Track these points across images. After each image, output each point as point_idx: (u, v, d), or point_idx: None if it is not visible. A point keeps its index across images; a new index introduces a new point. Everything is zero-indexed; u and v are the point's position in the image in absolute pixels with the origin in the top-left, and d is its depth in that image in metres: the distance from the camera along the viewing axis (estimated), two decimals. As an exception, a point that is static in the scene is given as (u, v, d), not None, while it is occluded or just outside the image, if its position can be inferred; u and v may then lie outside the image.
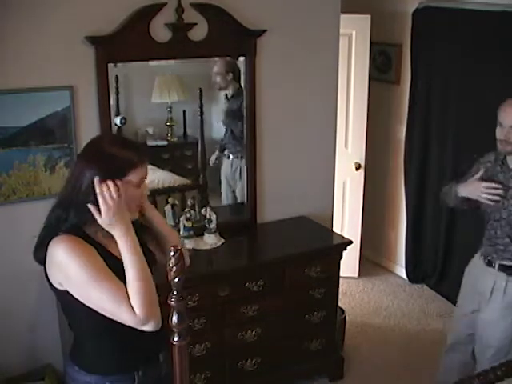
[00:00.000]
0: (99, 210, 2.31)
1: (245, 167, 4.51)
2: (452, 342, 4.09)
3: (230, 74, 4.46)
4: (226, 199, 4.80)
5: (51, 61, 3.65)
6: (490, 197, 3.55)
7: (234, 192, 4.72)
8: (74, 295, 2.32)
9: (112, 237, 2.38)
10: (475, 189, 3.61)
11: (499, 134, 3.55)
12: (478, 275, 3.82)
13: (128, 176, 2.35)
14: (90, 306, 2.30)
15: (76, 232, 2.32)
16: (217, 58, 4.43)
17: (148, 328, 2.31)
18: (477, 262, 3.87)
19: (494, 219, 3.67)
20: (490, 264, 3.74)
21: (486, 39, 4.93)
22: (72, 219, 2.32)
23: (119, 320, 2.29)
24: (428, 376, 4.42)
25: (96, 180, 2.28)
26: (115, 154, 2.34)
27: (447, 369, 4.13)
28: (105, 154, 2.32)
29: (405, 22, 5.64)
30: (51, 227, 2.34)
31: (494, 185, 3.56)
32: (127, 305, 2.27)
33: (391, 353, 5.00)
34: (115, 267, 2.36)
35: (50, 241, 2.32)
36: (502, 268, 3.68)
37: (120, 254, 2.42)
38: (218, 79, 4.50)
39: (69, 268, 2.26)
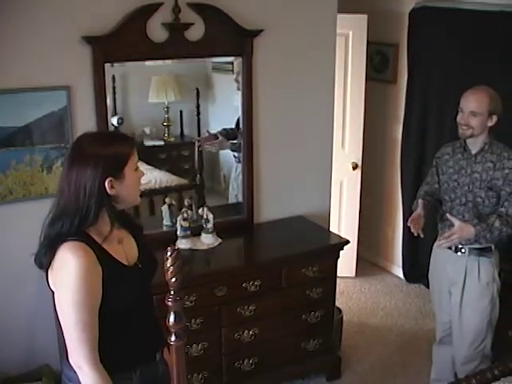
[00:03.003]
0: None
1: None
2: (439, 337, 4.19)
3: None
4: (230, 201, 4.81)
5: (48, 61, 3.65)
6: (413, 231, 3.79)
7: (237, 196, 4.71)
8: (55, 297, 2.34)
9: (113, 239, 2.43)
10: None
11: (459, 118, 3.70)
12: (447, 263, 3.90)
13: (126, 166, 2.38)
14: (58, 312, 2.34)
15: (84, 238, 2.33)
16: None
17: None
18: (442, 251, 3.92)
19: (460, 204, 3.79)
20: (457, 250, 3.83)
21: (482, 39, 4.93)
22: (77, 224, 2.32)
23: (69, 348, 2.33)
24: (425, 375, 4.43)
25: (107, 182, 2.32)
26: (107, 153, 2.34)
27: (440, 363, 4.20)
28: (98, 155, 2.32)
29: (401, 22, 5.64)
30: (56, 236, 2.33)
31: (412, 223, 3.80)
32: (86, 350, 2.30)
33: (388, 352, 5.00)
34: (116, 271, 2.39)
35: (58, 245, 2.31)
36: (473, 252, 3.78)
37: (121, 255, 2.44)
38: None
39: (68, 279, 2.27)
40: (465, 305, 3.84)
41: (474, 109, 3.61)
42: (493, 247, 3.77)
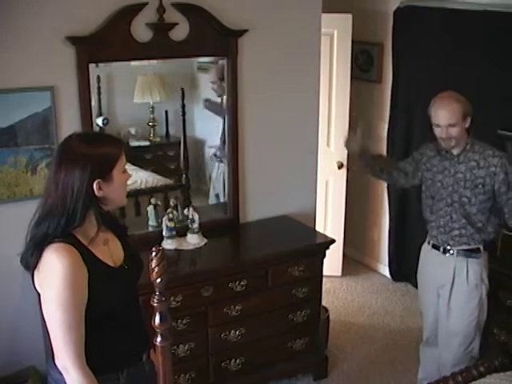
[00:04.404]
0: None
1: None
2: (426, 337, 4.18)
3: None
4: (211, 201, 4.79)
5: (32, 61, 3.63)
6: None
7: (217, 195, 4.72)
8: (41, 299, 2.34)
9: (99, 241, 2.43)
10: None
11: (439, 133, 3.69)
12: (435, 265, 3.91)
13: (114, 168, 2.37)
14: (44, 313, 2.33)
15: (70, 239, 2.32)
16: (211, 60, 4.43)
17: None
18: (430, 253, 3.96)
19: (447, 204, 3.79)
20: (445, 252, 3.84)
21: (467, 38, 4.95)
22: (63, 225, 2.31)
23: (55, 349, 2.32)
24: (412, 374, 4.45)
25: (95, 184, 2.31)
26: (96, 154, 2.34)
27: (427, 363, 4.19)
28: (86, 156, 2.31)
29: (386, 21, 5.66)
30: (42, 237, 2.32)
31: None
32: (72, 351, 2.29)
33: (375, 351, 5.01)
34: (102, 272, 2.38)
35: (44, 246, 2.30)
36: (462, 253, 3.79)
37: (106, 257, 2.44)
38: (215, 87, 4.49)
39: (54, 280, 2.26)
40: (453, 307, 3.84)
41: (450, 121, 3.60)
42: (481, 248, 3.79)
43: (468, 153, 3.71)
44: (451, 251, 3.82)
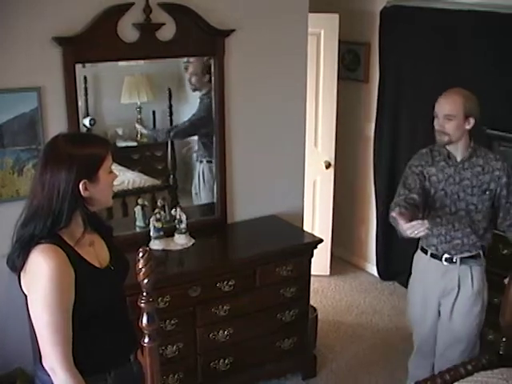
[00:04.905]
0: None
1: (207, 171, 4.57)
2: (419, 347, 4.03)
3: (207, 76, 4.39)
4: (194, 201, 4.81)
5: (18, 62, 3.62)
6: (416, 233, 3.31)
7: (197, 194, 4.72)
8: (28, 300, 2.34)
9: (85, 242, 2.42)
10: (403, 231, 3.41)
11: (435, 124, 3.58)
12: (437, 275, 3.76)
13: (101, 169, 2.37)
14: (31, 315, 2.33)
15: (56, 240, 2.32)
16: (192, 59, 4.42)
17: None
18: (429, 263, 3.80)
19: (450, 213, 3.66)
20: (447, 261, 3.72)
21: (454, 38, 4.97)
22: (49, 226, 2.30)
23: (42, 351, 2.33)
24: (401, 373, 4.44)
25: (81, 184, 2.31)
26: (82, 154, 2.34)
27: (418, 374, 4.06)
28: (72, 157, 2.30)
29: (373, 21, 5.67)
30: (29, 238, 2.31)
31: (414, 223, 3.30)
32: (60, 352, 2.29)
33: (363, 350, 5.02)
34: (88, 273, 2.38)
35: (31, 247, 2.30)
36: (465, 261, 3.70)
37: (92, 258, 2.44)
38: (194, 80, 4.47)
39: (41, 281, 2.26)
40: (456, 314, 3.75)
41: (448, 112, 3.49)
42: (481, 253, 3.72)
43: (472, 158, 3.61)
44: (453, 260, 3.71)
